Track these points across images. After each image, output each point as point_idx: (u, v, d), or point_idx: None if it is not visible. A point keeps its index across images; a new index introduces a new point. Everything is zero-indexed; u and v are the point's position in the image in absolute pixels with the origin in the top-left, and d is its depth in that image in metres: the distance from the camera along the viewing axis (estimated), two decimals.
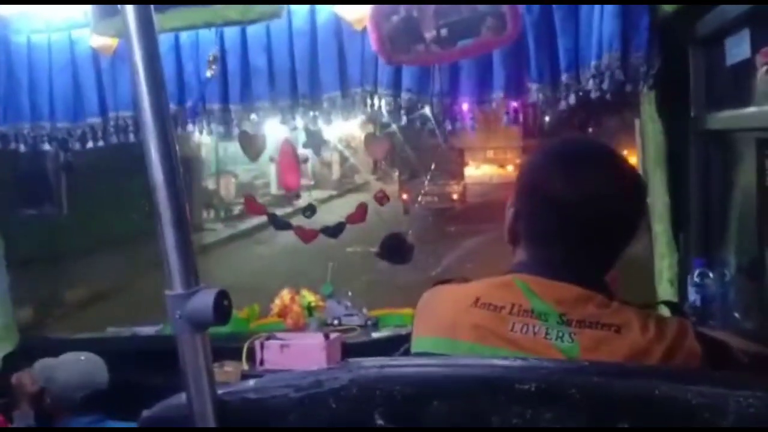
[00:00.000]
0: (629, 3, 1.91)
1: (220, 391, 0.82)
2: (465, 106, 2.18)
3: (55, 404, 2.23)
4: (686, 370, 0.90)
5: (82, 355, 2.28)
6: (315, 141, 2.61)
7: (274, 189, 11.16)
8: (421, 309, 1.08)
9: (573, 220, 0.98)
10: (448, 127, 2.21)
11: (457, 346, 0.95)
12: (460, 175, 12.20)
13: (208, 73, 2.16)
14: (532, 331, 0.92)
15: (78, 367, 2.23)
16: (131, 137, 2.48)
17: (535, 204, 1.02)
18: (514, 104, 2.15)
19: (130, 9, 0.79)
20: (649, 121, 2.05)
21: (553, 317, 0.93)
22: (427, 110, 2.18)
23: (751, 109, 1.74)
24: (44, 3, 2.25)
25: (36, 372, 2.27)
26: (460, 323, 0.97)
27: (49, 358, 2.29)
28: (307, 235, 2.80)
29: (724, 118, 1.91)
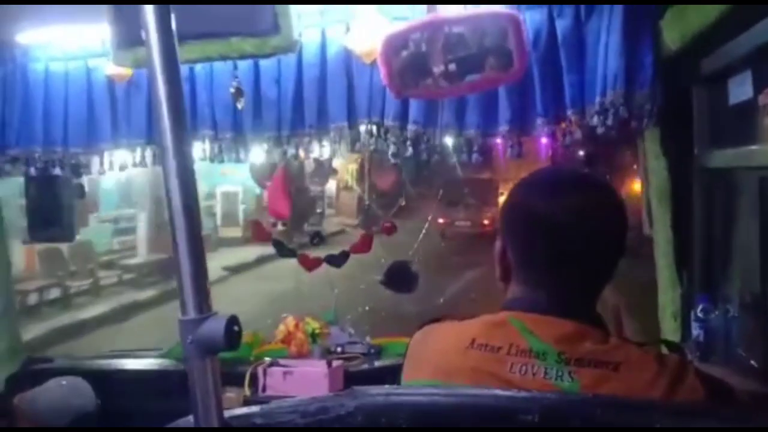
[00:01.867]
0: (633, 40, 1.95)
1: (226, 415, 0.83)
2: (498, 140, 2.21)
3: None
4: (688, 405, 0.90)
5: (64, 380, 2.27)
6: (323, 171, 2.64)
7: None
8: (414, 351, 1.06)
9: (556, 245, 0.98)
10: (454, 159, 2.24)
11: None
12: (493, 203, 13.10)
13: (239, 105, 2.20)
14: (530, 371, 0.92)
15: (58, 394, 2.22)
16: (143, 163, 2.52)
17: (520, 234, 1.02)
18: (543, 139, 2.19)
19: (154, 41, 0.82)
20: (652, 158, 2.07)
21: (551, 356, 0.92)
22: (445, 140, 2.21)
23: (754, 148, 1.76)
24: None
25: (30, 401, 2.27)
26: (458, 366, 0.96)
27: (37, 387, 2.29)
28: (310, 264, 2.81)
29: (727, 156, 1.93)
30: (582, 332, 0.95)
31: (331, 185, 16.56)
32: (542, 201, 1.00)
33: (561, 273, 0.98)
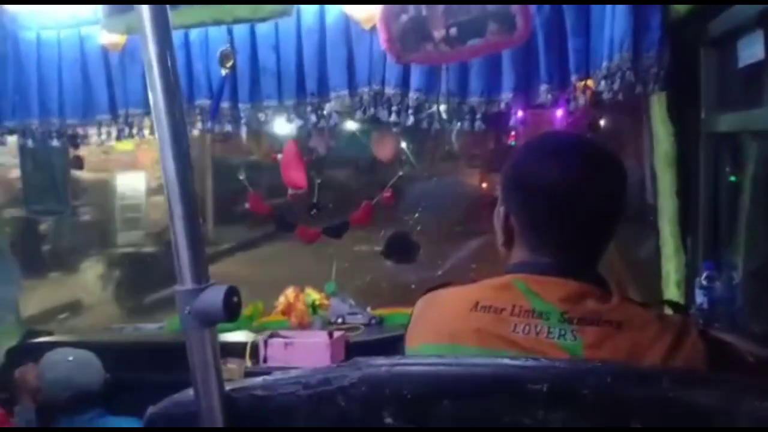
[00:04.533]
0: (640, 3, 1.90)
1: (227, 388, 0.82)
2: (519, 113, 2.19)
3: (45, 403, 2.24)
4: (700, 372, 0.89)
5: (71, 356, 2.27)
6: (322, 140, 2.60)
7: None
8: (418, 317, 1.07)
9: (559, 208, 0.99)
10: (457, 126, 2.20)
11: (461, 352, 0.94)
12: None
13: (223, 72, 2.15)
14: (534, 331, 0.93)
15: (64, 368, 2.23)
16: (141, 134, 2.48)
17: (522, 198, 1.03)
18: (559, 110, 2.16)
19: (145, 5, 0.79)
20: (658, 123, 2.04)
21: (554, 316, 0.93)
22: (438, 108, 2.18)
23: (762, 111, 1.73)
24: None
25: (39, 369, 2.28)
26: (462, 328, 0.96)
27: (48, 356, 2.29)
28: (308, 236, 2.79)
29: (734, 119, 1.90)
30: (585, 292, 0.95)
31: None
32: (544, 165, 1.01)
33: (564, 235, 0.99)
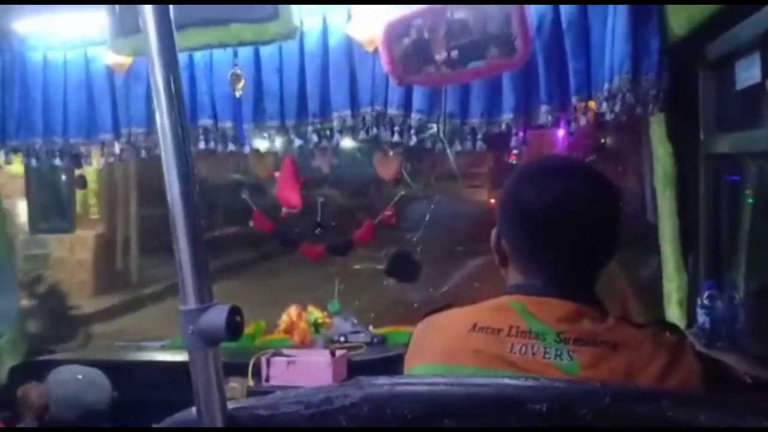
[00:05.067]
0: (639, 26, 1.92)
1: (230, 407, 0.82)
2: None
3: (53, 421, 2.23)
4: (699, 393, 0.89)
5: (80, 374, 2.27)
6: (325, 159, 2.62)
7: None
8: (417, 338, 1.08)
9: (552, 232, 0.99)
10: (458, 147, 2.22)
11: (459, 372, 0.95)
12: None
13: (237, 94, 2.19)
14: (530, 351, 0.93)
15: (73, 386, 2.23)
16: (142, 153, 2.51)
17: (515, 222, 1.04)
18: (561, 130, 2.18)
19: (152, 28, 0.81)
20: (658, 144, 2.05)
21: (550, 336, 0.94)
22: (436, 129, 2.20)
23: (761, 132, 1.74)
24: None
25: (47, 387, 2.28)
26: (460, 349, 0.97)
27: (55, 374, 2.30)
28: (313, 254, 2.80)
29: (733, 141, 1.91)
30: (580, 312, 0.96)
31: None
32: (531, 189, 1.02)
33: (555, 258, 1.00)
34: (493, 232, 1.08)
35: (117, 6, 1.85)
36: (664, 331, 1.02)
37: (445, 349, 0.99)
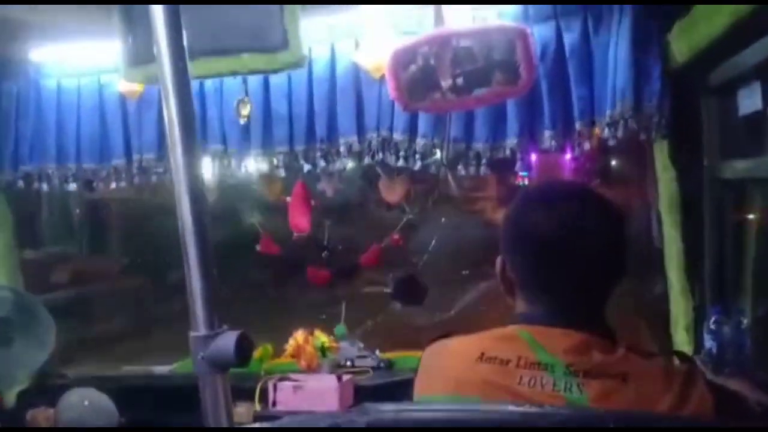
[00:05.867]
0: (641, 53, 1.95)
1: None
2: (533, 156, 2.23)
3: None
4: (701, 420, 0.89)
5: (87, 400, 2.28)
6: (331, 184, 2.65)
7: None
8: (425, 368, 1.06)
9: (557, 260, 0.97)
10: (462, 172, 2.24)
11: (467, 403, 0.94)
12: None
13: (241, 121, 2.23)
14: (539, 383, 0.92)
15: (80, 411, 2.24)
16: (153, 179, 2.54)
17: (519, 248, 1.02)
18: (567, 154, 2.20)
19: (166, 57, 0.84)
20: (662, 169, 2.07)
21: (559, 368, 0.92)
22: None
23: (765, 159, 1.75)
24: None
25: (56, 411, 2.29)
26: (467, 380, 0.96)
27: (63, 398, 2.30)
28: (319, 278, 2.81)
29: (737, 167, 1.93)
30: (589, 343, 0.94)
31: None
32: (533, 216, 1.00)
33: (560, 287, 0.99)
34: (498, 260, 1.06)
35: (130, 34, 1.89)
36: (674, 360, 1.01)
37: (453, 379, 0.98)
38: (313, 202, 2.67)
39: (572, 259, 0.97)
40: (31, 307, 2.33)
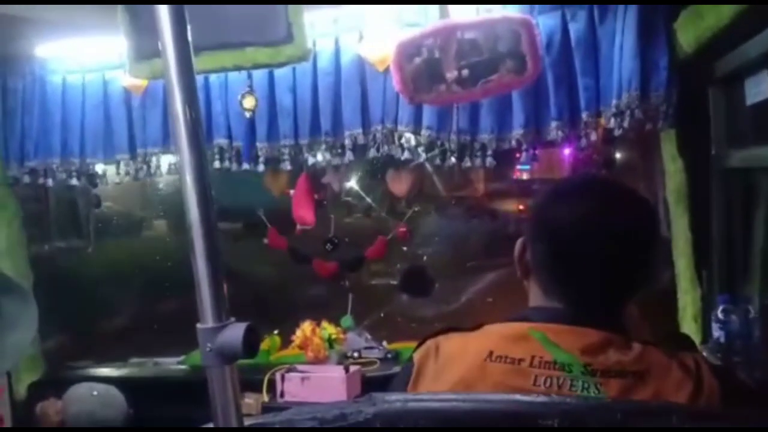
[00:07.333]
0: (647, 43, 1.94)
1: (246, 423, 0.84)
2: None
3: None
4: (709, 407, 0.89)
5: (95, 390, 2.30)
6: (336, 177, 2.65)
7: None
8: (425, 368, 0.99)
9: (583, 253, 0.95)
10: (467, 163, 2.24)
11: None
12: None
13: (247, 114, 2.24)
14: (556, 384, 0.89)
15: (88, 402, 2.26)
16: (157, 173, 2.55)
17: (544, 237, 0.99)
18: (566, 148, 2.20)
19: (170, 51, 0.84)
20: (669, 159, 2.06)
21: (577, 368, 0.89)
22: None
23: None
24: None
25: (63, 402, 2.31)
26: (478, 380, 0.92)
27: (72, 391, 2.33)
28: (325, 270, 2.82)
29: (745, 156, 1.92)
30: (605, 341, 0.91)
31: None
32: (563, 206, 0.98)
33: (581, 282, 0.96)
34: (519, 243, 1.03)
35: (135, 30, 1.89)
36: (677, 344, 0.99)
37: (461, 379, 0.93)
38: (316, 196, 2.67)
39: (601, 257, 0.94)
40: (14, 290, 2.32)
